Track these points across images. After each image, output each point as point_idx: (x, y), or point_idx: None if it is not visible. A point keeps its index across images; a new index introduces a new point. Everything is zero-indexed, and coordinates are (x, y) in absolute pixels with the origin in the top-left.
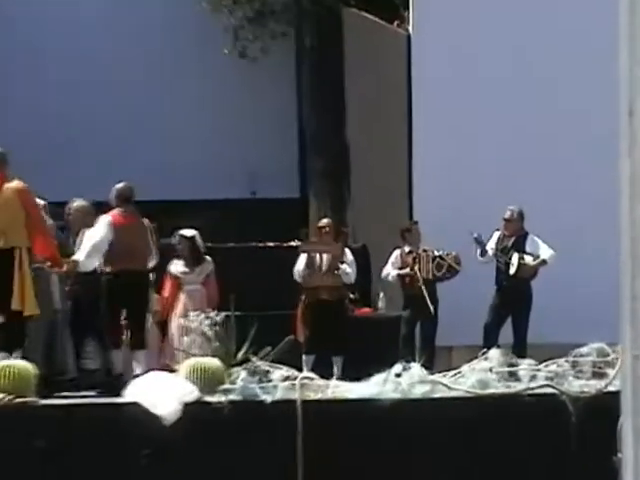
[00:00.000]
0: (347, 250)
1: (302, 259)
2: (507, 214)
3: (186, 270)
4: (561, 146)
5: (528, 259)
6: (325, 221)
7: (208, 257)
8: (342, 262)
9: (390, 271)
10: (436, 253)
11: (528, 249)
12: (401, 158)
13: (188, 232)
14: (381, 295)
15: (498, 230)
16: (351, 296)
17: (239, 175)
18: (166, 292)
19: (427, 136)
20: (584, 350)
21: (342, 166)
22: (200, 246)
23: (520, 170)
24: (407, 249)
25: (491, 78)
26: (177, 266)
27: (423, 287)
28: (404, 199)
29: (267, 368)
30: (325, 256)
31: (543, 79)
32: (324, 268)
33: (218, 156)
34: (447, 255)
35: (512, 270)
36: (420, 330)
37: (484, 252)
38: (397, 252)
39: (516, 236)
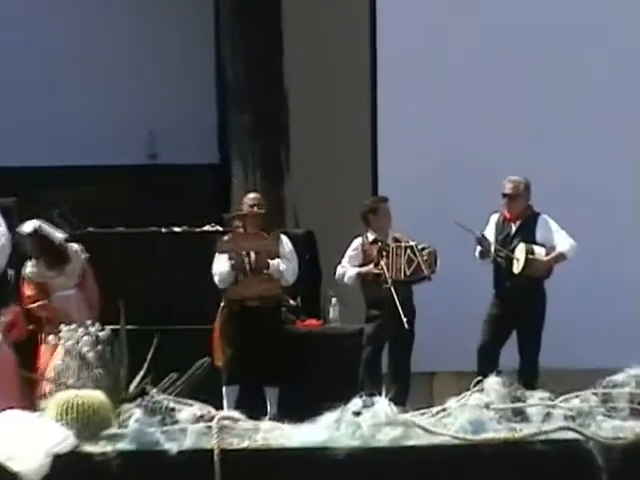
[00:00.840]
0: (284, 238)
1: (222, 259)
2: (507, 187)
3: (50, 274)
4: (542, 113)
5: (539, 252)
6: (253, 196)
7: (75, 245)
8: (276, 256)
9: (347, 268)
10: (410, 243)
11: (539, 237)
12: (361, 117)
13: (27, 226)
14: (334, 301)
15: (496, 213)
16: (290, 303)
17: (134, 134)
18: (27, 299)
19: (395, 91)
20: (618, 378)
21: (277, 125)
22: (55, 238)
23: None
24: (371, 237)
25: (465, 40)
26: (35, 268)
27: (394, 291)
28: (365, 169)
29: (172, 404)
30: (252, 254)
31: (518, 48)
32: (252, 265)
33: (105, 109)
34: (421, 250)
35: (516, 268)
36: (389, 350)
37: (486, 254)
38: (357, 242)
39: (522, 219)
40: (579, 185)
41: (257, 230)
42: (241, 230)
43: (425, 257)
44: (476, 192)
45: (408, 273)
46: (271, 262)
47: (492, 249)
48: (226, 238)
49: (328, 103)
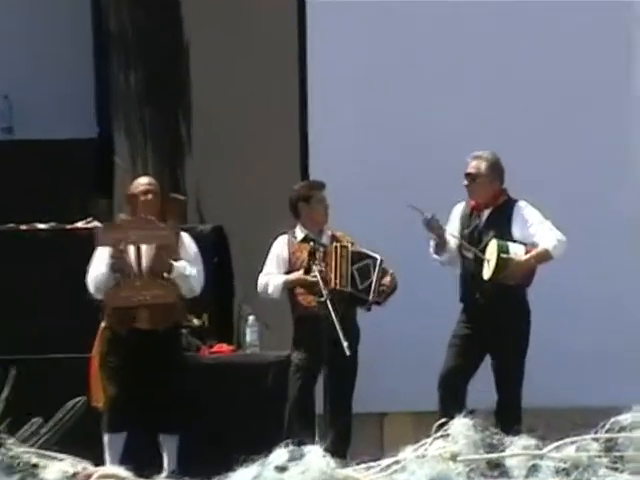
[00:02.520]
0: (186, 236)
1: (101, 258)
2: (471, 166)
3: None
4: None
5: (516, 250)
6: (146, 181)
7: None
8: (175, 258)
9: (272, 276)
10: (361, 249)
11: (516, 231)
12: (288, 84)
13: None
14: (251, 320)
15: (462, 202)
16: (194, 322)
17: None
18: None
19: (327, 51)
20: (625, 420)
21: (174, 93)
22: None
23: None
24: (300, 235)
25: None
26: None
27: (330, 306)
28: (292, 147)
29: (35, 459)
30: (145, 249)
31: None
32: (143, 271)
33: None
34: (385, 273)
35: (487, 272)
36: (325, 385)
37: (442, 246)
38: (282, 241)
39: (492, 207)
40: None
41: (148, 216)
42: (126, 217)
43: (384, 282)
44: (440, 181)
45: (360, 286)
46: (175, 264)
47: (450, 239)
48: (108, 225)
49: (244, 60)
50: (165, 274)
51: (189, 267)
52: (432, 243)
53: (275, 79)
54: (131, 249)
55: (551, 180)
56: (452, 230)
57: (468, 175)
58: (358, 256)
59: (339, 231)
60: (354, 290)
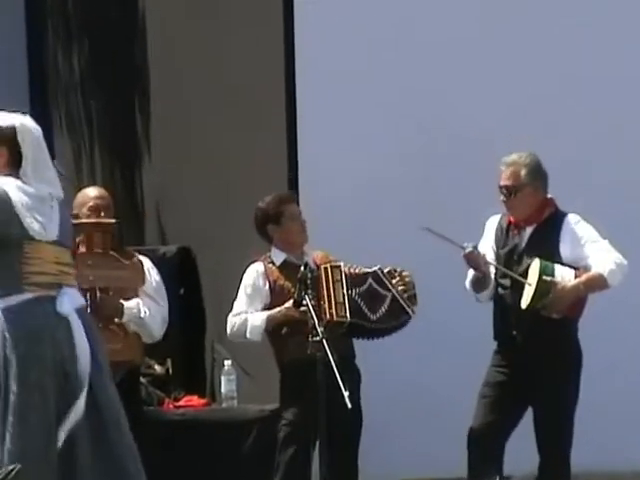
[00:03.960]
0: (146, 262)
1: None
2: (506, 176)
3: None
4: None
5: (562, 273)
6: (96, 194)
7: None
8: (127, 297)
9: (249, 315)
10: (370, 269)
11: (565, 251)
12: (272, 74)
13: None
14: (227, 366)
15: (496, 215)
16: (156, 369)
17: None
18: None
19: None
20: None
21: (129, 80)
22: None
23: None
24: (280, 258)
25: None
26: None
27: (327, 346)
28: (277, 154)
29: None
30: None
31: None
32: (94, 309)
33: None
34: (390, 274)
35: (525, 299)
36: (322, 448)
37: (483, 282)
38: (256, 270)
39: (536, 223)
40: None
41: (105, 250)
42: (81, 250)
43: (400, 285)
44: (464, 183)
45: (374, 316)
46: (126, 304)
47: (491, 271)
48: None
49: (220, 39)
50: (115, 319)
51: (143, 307)
52: (470, 275)
53: (257, 66)
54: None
55: (608, 187)
56: (486, 250)
57: (504, 188)
58: (359, 278)
59: (317, 250)
60: (361, 320)
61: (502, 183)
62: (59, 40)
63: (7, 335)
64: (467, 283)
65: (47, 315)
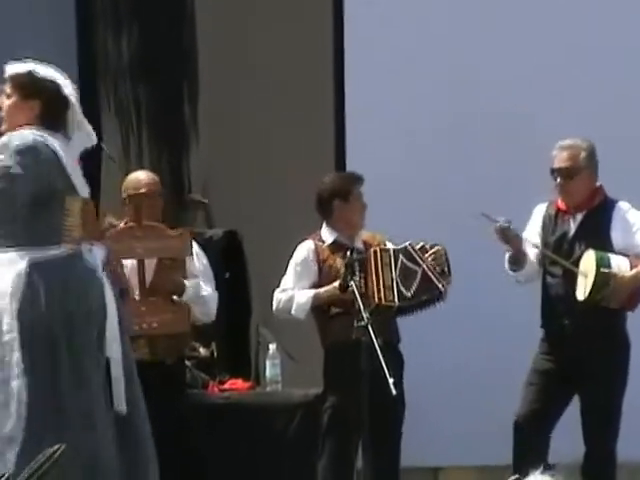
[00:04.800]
0: (194, 246)
1: None
2: (562, 158)
3: None
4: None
5: (618, 263)
6: (145, 178)
7: None
8: (184, 275)
9: (296, 292)
10: (400, 245)
11: (617, 239)
12: (321, 62)
13: None
14: (272, 350)
15: (543, 203)
16: (200, 352)
17: None
18: None
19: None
20: None
21: (178, 67)
22: None
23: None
24: (329, 239)
25: None
26: None
27: (371, 330)
28: (326, 132)
29: None
30: (148, 265)
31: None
32: (147, 282)
33: None
34: (420, 249)
35: (583, 290)
36: (365, 432)
37: (519, 259)
38: (307, 248)
39: (587, 210)
40: None
41: (156, 223)
42: (126, 224)
43: (431, 260)
44: (507, 169)
45: (409, 293)
46: (187, 282)
47: (529, 252)
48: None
49: (268, 28)
50: (174, 297)
51: (204, 285)
52: (507, 255)
53: (306, 56)
54: (129, 265)
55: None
56: (532, 238)
57: (561, 170)
58: (405, 254)
59: (365, 232)
60: (404, 302)
61: (558, 165)
62: (108, 25)
63: (53, 289)
64: (506, 265)
65: (85, 270)
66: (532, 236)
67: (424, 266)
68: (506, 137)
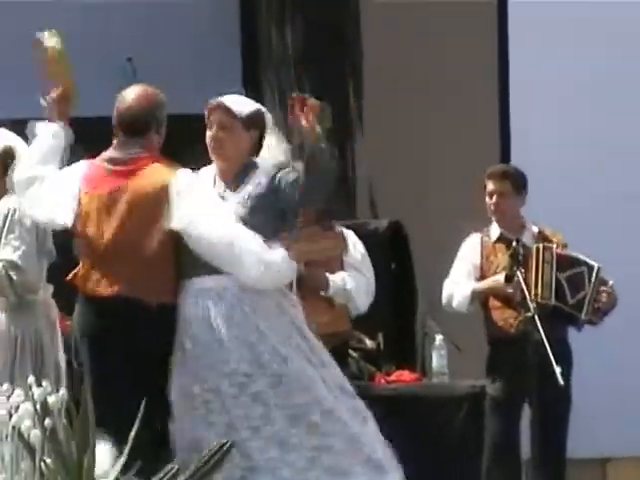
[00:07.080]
0: (351, 236)
1: None
2: None
3: None
4: None
5: None
6: None
7: None
8: (338, 266)
9: (459, 285)
10: (589, 260)
11: None
12: (486, 40)
13: None
14: (438, 341)
15: None
16: (367, 344)
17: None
18: None
19: None
20: None
21: (341, 53)
22: None
23: None
24: (496, 232)
25: None
26: None
27: (539, 323)
28: (490, 120)
29: None
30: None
31: None
32: (300, 283)
33: None
34: (602, 280)
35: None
36: (532, 424)
37: None
38: (474, 241)
39: None
40: None
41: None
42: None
43: (604, 295)
44: None
45: (570, 299)
46: (331, 278)
47: None
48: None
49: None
50: (322, 292)
51: (349, 279)
52: None
53: (470, 39)
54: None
55: None
56: None
57: None
58: (568, 262)
59: (548, 228)
60: (561, 304)
61: None
62: (272, 16)
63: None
64: None
65: None
66: None
67: (590, 292)
68: None
